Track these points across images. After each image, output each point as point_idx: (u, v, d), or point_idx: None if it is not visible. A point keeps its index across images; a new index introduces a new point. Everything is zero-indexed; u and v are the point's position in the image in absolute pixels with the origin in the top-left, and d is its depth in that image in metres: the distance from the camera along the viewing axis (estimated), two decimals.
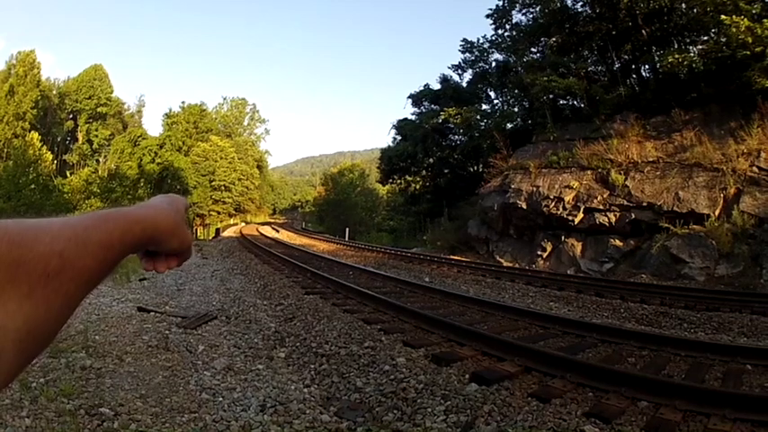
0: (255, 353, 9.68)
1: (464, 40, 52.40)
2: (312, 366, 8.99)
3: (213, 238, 60.37)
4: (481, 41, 51.46)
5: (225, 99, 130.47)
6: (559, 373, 8.30)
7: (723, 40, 26.82)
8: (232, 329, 11.43)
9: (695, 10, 29.89)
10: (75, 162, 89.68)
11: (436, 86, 57.09)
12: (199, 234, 72.70)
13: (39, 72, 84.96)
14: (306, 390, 7.84)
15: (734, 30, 24.93)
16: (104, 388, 7.12)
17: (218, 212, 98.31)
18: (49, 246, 0.77)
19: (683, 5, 31.96)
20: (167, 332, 10.50)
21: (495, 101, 53.42)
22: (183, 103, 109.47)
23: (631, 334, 11.33)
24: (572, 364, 8.55)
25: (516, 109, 48.20)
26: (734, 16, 25.02)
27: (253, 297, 16.08)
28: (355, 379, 8.21)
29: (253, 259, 28.68)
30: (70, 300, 0.81)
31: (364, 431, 6.38)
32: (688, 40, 33.30)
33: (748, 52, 24.74)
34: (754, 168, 23.78)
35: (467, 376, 8.28)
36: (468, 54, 52.91)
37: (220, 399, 7.21)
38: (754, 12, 25.86)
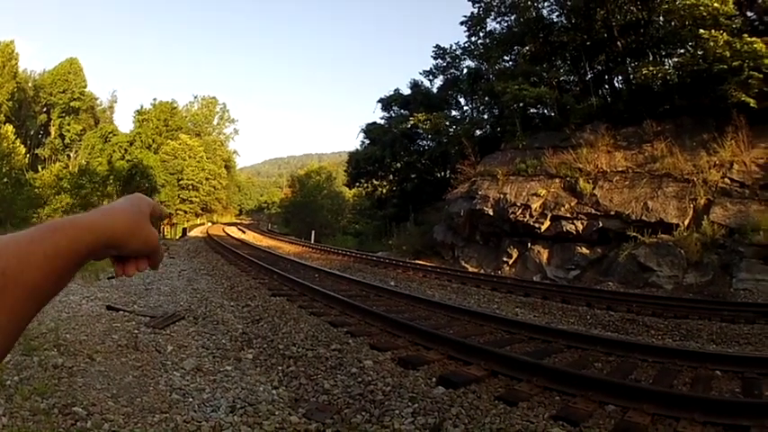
0: (223, 354, 9.72)
1: (437, 46, 52.37)
2: (280, 368, 9.04)
3: (180, 237, 60.19)
4: (454, 48, 51.43)
5: (196, 97, 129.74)
6: (526, 377, 8.38)
7: (700, 53, 26.95)
8: (200, 330, 11.46)
9: (673, 23, 30.09)
10: (46, 156, 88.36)
11: (407, 92, 57.30)
12: (166, 233, 72.55)
13: (17, 63, 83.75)
14: (274, 391, 7.89)
15: (712, 44, 25.10)
16: (76, 387, 7.13)
17: (186, 212, 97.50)
18: None
19: (661, 18, 32.16)
20: (136, 331, 10.51)
21: (465, 107, 53.46)
22: (154, 100, 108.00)
23: (598, 340, 11.45)
24: (538, 369, 8.63)
25: (486, 116, 48.23)
26: (713, 30, 25.22)
27: (220, 298, 16.14)
28: (323, 381, 8.27)
29: (219, 260, 28.74)
30: (17, 314, 0.84)
31: None
32: (663, 53, 33.46)
33: (725, 66, 24.90)
34: (726, 180, 24.10)
35: (434, 379, 8.39)
36: (440, 60, 52.89)
37: (190, 399, 7.25)
38: (734, 26, 26.11)
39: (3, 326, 0.81)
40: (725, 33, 25.15)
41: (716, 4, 25.66)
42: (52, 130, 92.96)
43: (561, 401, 7.64)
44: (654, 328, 14.04)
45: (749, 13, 28.50)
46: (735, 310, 15.59)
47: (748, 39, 24.54)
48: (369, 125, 59.45)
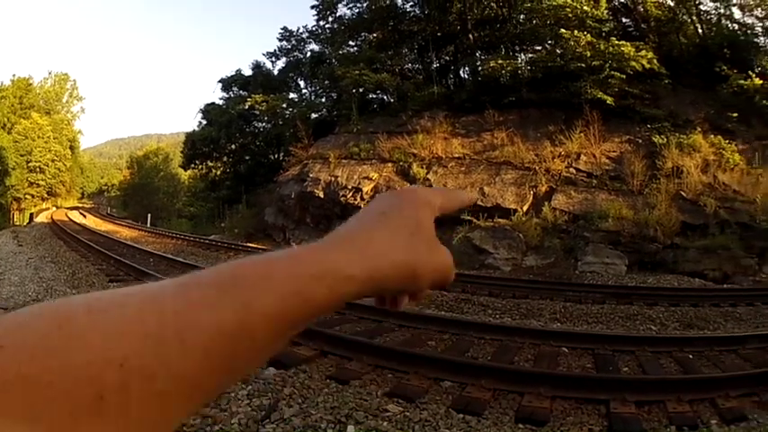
0: None
1: (284, 28, 52.71)
2: None
3: (28, 223, 59.00)
4: (300, 31, 51.83)
5: (50, 73, 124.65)
6: (356, 356, 8.77)
7: (558, 51, 28.37)
8: None
9: (534, 21, 31.16)
10: None
11: (249, 72, 57.38)
12: (15, 219, 70.89)
13: None
14: None
15: (572, 43, 26.51)
16: None
17: (33, 196, 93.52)
18: (101, 351, 0.44)
19: (522, 16, 33.16)
20: None
21: (305, 90, 53.84)
22: (13, 76, 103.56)
23: (431, 319, 11.87)
24: (369, 348, 9.10)
25: (324, 99, 48.87)
26: (576, 31, 26.51)
27: (63, 286, 16.49)
28: None
29: (62, 246, 28.66)
30: (150, 426, 0.47)
31: None
32: (518, 48, 34.63)
33: (583, 65, 26.35)
34: (572, 169, 25.72)
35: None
36: (285, 42, 53.07)
37: None
38: (604, 29, 27.62)
39: None
40: (588, 35, 26.44)
41: (585, 8, 27.03)
42: None
43: (394, 379, 8.06)
44: (491, 307, 14.41)
45: (625, 20, 30.01)
46: (580, 291, 16.32)
47: (616, 42, 25.99)
48: (207, 105, 59.24)
